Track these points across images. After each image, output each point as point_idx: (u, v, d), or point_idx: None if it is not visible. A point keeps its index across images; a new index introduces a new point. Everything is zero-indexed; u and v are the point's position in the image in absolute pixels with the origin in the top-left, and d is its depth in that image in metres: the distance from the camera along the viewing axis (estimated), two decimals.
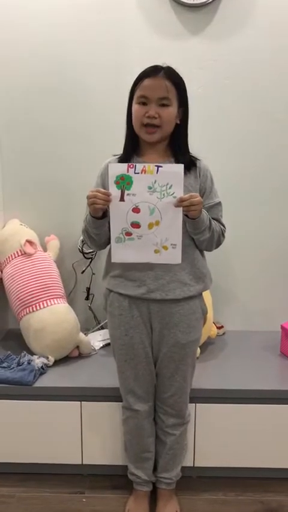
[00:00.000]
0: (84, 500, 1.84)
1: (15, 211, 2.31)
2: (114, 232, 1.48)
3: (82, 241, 2.25)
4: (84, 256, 2.27)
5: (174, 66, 1.52)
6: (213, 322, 2.19)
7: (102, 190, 1.45)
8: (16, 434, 1.89)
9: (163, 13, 2.12)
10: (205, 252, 1.65)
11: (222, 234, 1.60)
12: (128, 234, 1.47)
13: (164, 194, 1.42)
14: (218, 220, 1.60)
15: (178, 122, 1.54)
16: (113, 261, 1.52)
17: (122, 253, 1.50)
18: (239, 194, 2.23)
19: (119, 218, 1.46)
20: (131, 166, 1.41)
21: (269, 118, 2.19)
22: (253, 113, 2.19)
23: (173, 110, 1.50)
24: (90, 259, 2.28)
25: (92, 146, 2.21)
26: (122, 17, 2.13)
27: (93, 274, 2.31)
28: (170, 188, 1.41)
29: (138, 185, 1.42)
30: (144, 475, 1.76)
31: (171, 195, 1.41)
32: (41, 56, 2.17)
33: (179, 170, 1.40)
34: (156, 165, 1.40)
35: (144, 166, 1.40)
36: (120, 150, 1.60)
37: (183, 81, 1.52)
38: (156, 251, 1.48)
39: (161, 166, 1.40)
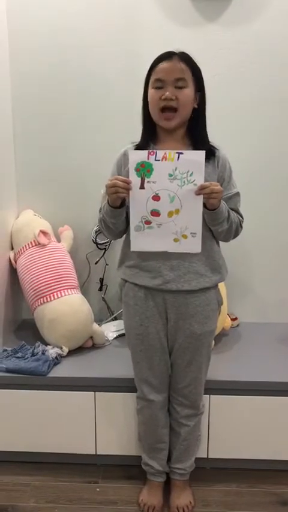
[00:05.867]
0: (98, 489, 1.85)
1: (29, 201, 2.31)
2: (134, 221, 1.46)
3: (96, 231, 2.25)
4: (97, 247, 2.27)
5: (188, 53, 1.49)
6: (228, 314, 2.18)
7: (122, 178, 1.43)
8: (30, 424, 1.90)
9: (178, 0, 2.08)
10: (220, 243, 1.63)
11: (240, 225, 1.59)
12: (148, 222, 1.46)
13: (184, 182, 1.40)
14: (236, 211, 1.59)
15: (196, 106, 1.51)
16: (132, 249, 1.51)
17: (141, 241, 1.48)
18: (256, 184, 2.21)
19: (138, 206, 1.44)
20: (152, 153, 1.39)
21: (286, 106, 2.16)
22: (269, 101, 2.16)
23: (189, 92, 1.47)
24: (103, 250, 2.27)
25: (106, 136, 2.20)
26: (137, 3, 2.11)
27: (107, 265, 2.30)
28: (190, 175, 1.39)
29: (158, 172, 1.40)
30: (158, 466, 1.76)
31: (192, 182, 1.40)
32: (53, 46, 2.16)
33: (200, 157, 1.38)
34: (177, 152, 1.38)
35: (165, 153, 1.39)
36: (134, 139, 1.58)
37: (197, 65, 1.50)
38: (175, 240, 1.46)
39: (182, 153, 1.38)
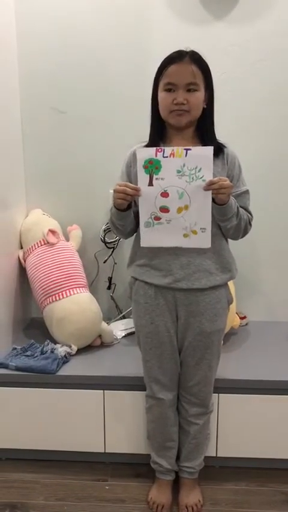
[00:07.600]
0: (107, 487, 1.85)
1: (38, 201, 2.32)
2: (143, 217, 1.47)
3: (104, 230, 2.25)
4: (106, 245, 2.27)
5: (197, 51, 1.48)
6: (236, 313, 2.17)
7: (131, 185, 1.44)
8: (40, 422, 1.90)
9: None
10: (229, 241, 1.63)
11: (249, 223, 1.58)
12: (157, 218, 1.46)
13: (193, 178, 1.40)
14: (246, 209, 1.58)
15: (205, 106, 1.51)
16: (142, 245, 1.52)
17: (151, 237, 1.49)
18: (264, 183, 2.20)
19: (147, 203, 1.45)
20: (160, 150, 1.40)
21: None
22: (278, 99, 2.15)
23: (200, 95, 1.48)
24: (112, 249, 2.28)
25: (115, 135, 2.20)
26: (145, 2, 2.11)
27: (115, 263, 2.31)
28: (199, 171, 1.39)
29: (166, 169, 1.40)
30: (167, 464, 1.76)
31: (201, 178, 1.40)
32: (61, 46, 2.16)
33: (208, 153, 1.38)
34: (185, 148, 1.39)
35: (172, 150, 1.39)
36: (143, 138, 1.58)
37: (208, 65, 1.49)
38: (185, 235, 1.47)
39: (189, 149, 1.38)
